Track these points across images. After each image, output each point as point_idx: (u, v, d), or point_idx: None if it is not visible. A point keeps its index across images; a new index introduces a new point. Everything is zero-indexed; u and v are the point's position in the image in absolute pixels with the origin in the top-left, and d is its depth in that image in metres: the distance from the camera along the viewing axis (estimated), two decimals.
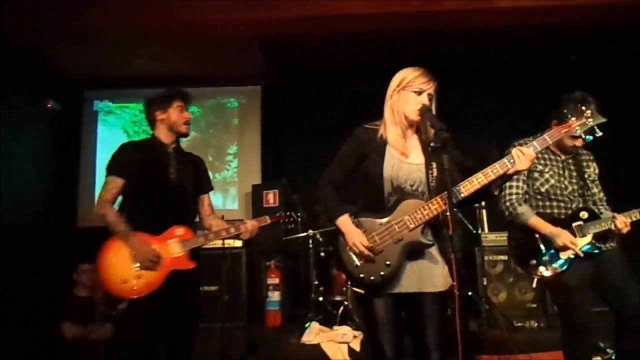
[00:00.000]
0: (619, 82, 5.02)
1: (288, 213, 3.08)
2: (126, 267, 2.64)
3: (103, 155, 5.71)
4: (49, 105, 5.52)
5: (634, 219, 2.76)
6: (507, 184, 2.84)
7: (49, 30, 4.57)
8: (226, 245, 4.57)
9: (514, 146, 2.37)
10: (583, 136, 2.33)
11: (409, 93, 2.23)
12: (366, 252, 2.17)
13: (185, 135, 2.92)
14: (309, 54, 5.32)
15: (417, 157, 2.24)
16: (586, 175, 2.88)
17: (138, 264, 2.63)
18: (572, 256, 2.68)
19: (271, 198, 5.03)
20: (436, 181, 2.14)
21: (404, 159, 2.25)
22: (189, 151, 3.04)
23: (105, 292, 2.80)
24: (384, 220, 2.20)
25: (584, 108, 2.32)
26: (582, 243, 2.70)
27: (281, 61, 5.42)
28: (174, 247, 2.72)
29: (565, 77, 2.87)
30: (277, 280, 4.63)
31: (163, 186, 2.78)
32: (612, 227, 2.72)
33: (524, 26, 4.74)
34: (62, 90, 5.70)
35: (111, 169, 2.79)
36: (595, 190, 2.90)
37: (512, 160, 2.12)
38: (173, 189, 2.80)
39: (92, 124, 5.86)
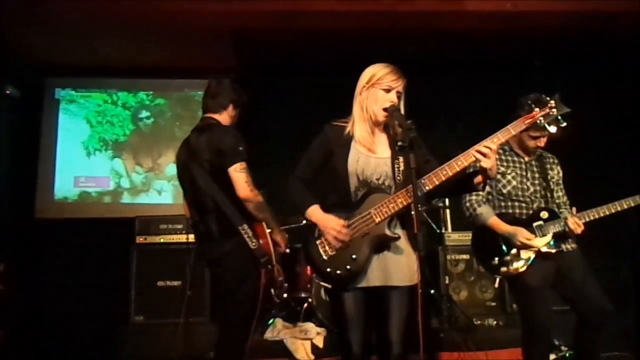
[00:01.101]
0: (583, 87, 5.17)
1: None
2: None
3: (64, 145, 5.55)
4: (8, 92, 5.32)
5: (587, 219, 2.83)
6: None
7: (9, 14, 4.40)
8: (190, 240, 4.52)
9: None
10: (547, 126, 2.28)
11: (377, 90, 2.24)
12: (343, 231, 2.16)
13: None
14: (278, 50, 5.28)
15: (384, 151, 2.26)
16: (549, 177, 2.94)
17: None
18: (532, 256, 2.74)
19: None
20: (403, 175, 2.15)
21: (370, 153, 2.26)
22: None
23: None
24: (351, 214, 2.21)
25: (547, 98, 2.30)
26: (542, 242, 2.77)
27: (251, 55, 5.37)
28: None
29: (531, 81, 2.93)
30: None
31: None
32: (564, 228, 2.79)
33: (491, 30, 4.83)
34: (22, 77, 5.50)
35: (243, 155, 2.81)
36: (560, 193, 2.97)
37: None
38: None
39: (53, 113, 5.66)
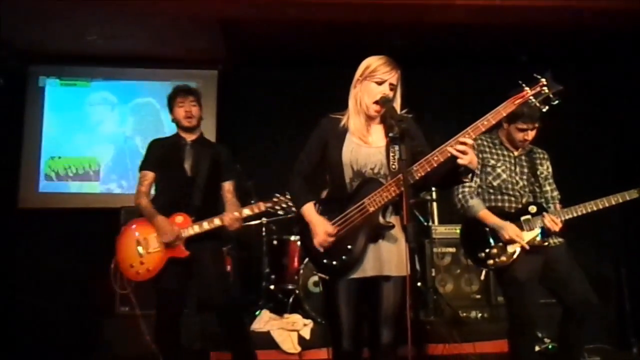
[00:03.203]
0: (570, 83, 5.21)
1: (280, 197, 3.14)
2: (133, 253, 3.11)
3: (49, 134, 5.47)
4: None
5: (574, 215, 2.85)
6: None
7: None
8: None
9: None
10: (538, 105, 2.21)
11: (370, 83, 2.26)
12: (328, 239, 2.18)
13: (188, 128, 3.25)
14: (268, 40, 5.24)
15: (378, 140, 2.27)
16: (538, 172, 2.97)
17: (157, 244, 3.05)
18: (518, 249, 2.77)
19: None
20: (398, 163, 2.15)
21: (363, 143, 2.27)
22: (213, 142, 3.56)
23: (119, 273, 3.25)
24: (346, 205, 2.22)
25: (539, 76, 2.25)
26: (529, 237, 2.79)
27: (240, 46, 5.32)
28: (181, 233, 3.07)
29: (518, 76, 2.94)
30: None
31: (177, 179, 3.17)
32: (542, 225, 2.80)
33: (479, 24, 4.84)
34: (5, 64, 5.38)
35: (142, 165, 3.25)
36: (548, 188, 3.00)
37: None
38: (187, 181, 3.16)
39: (37, 101, 5.57)
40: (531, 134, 2.88)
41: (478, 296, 4.62)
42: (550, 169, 3.05)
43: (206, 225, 3.08)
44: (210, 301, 3.19)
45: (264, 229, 4.61)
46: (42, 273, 5.05)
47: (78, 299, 4.89)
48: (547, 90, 2.20)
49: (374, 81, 2.24)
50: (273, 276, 4.51)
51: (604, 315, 4.28)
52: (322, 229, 2.21)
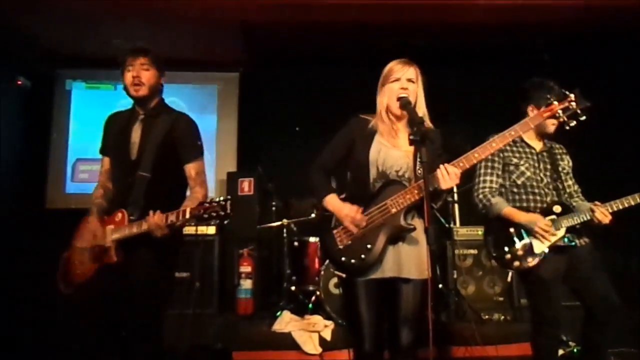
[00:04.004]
0: (592, 81, 5.13)
1: (216, 202, 2.29)
2: (80, 252, 2.55)
3: (76, 136, 5.59)
4: (20, 82, 5.35)
5: (615, 209, 2.77)
6: (481, 177, 2.90)
7: (20, 4, 4.42)
8: (199, 232, 4.56)
9: (489, 139, 2.42)
10: (566, 120, 2.27)
11: (390, 84, 2.29)
12: (358, 217, 2.19)
13: (137, 98, 2.55)
14: (288, 42, 5.28)
15: (406, 144, 2.26)
16: (560, 168, 2.92)
17: (91, 256, 2.46)
18: (546, 250, 2.73)
19: (246, 186, 4.99)
20: (422, 170, 2.16)
21: (392, 146, 2.29)
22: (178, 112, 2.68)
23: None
24: (369, 204, 2.24)
25: (567, 92, 2.29)
26: (556, 237, 2.74)
27: (261, 48, 5.36)
28: (107, 235, 2.44)
29: (540, 74, 2.92)
30: (249, 269, 4.61)
31: (123, 163, 2.52)
32: (591, 218, 2.73)
33: (501, 23, 4.81)
34: (34, 68, 5.52)
35: (100, 147, 2.69)
36: (570, 182, 2.95)
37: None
38: (130, 166, 2.48)
39: (65, 104, 5.71)
40: (556, 123, 2.82)
41: (501, 298, 4.56)
42: (570, 163, 3.00)
43: (135, 229, 2.38)
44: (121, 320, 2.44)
45: (284, 230, 4.63)
46: None
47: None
48: (575, 106, 2.26)
49: (392, 81, 2.28)
50: (294, 277, 4.53)
51: (629, 318, 4.19)
52: (348, 210, 2.21)
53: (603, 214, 2.72)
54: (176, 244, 2.58)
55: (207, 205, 2.26)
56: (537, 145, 2.95)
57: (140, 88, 2.52)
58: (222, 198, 2.27)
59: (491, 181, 2.89)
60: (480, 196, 2.88)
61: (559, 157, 2.96)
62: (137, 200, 2.44)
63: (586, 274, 2.77)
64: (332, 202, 2.29)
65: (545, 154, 2.94)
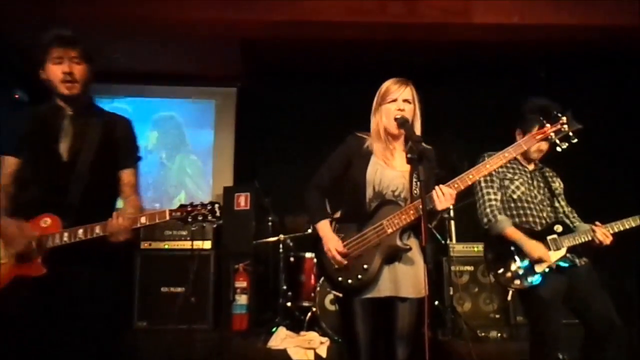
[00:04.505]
0: (587, 98, 5.19)
1: (203, 204, 2.19)
2: None
3: None
4: (17, 96, 5.35)
5: (615, 230, 2.79)
6: (484, 191, 2.90)
7: (18, 18, 4.44)
8: (194, 247, 4.54)
9: (484, 157, 2.44)
10: (558, 142, 2.33)
11: (387, 105, 2.31)
12: (338, 258, 2.20)
13: (68, 97, 2.24)
14: (286, 58, 5.32)
15: (402, 165, 2.28)
16: (553, 188, 2.95)
17: (3, 254, 2.10)
18: (547, 270, 2.73)
19: (242, 201, 4.98)
20: (419, 189, 2.18)
21: (388, 166, 2.30)
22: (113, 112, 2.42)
23: None
24: (364, 224, 2.24)
25: (559, 115, 2.34)
26: (556, 257, 2.75)
27: (259, 64, 5.40)
28: (38, 242, 2.13)
29: (536, 92, 2.97)
30: (245, 284, 4.59)
31: (49, 165, 2.21)
32: (592, 238, 2.75)
33: (498, 42, 4.86)
34: (31, 82, 5.52)
35: (1, 146, 2.26)
36: (563, 203, 2.98)
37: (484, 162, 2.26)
38: (62, 168, 2.20)
39: None
40: (545, 146, 2.85)
41: (497, 316, 4.54)
42: (562, 186, 3.04)
43: (81, 234, 2.13)
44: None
45: (281, 245, 4.62)
46: None
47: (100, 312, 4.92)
48: (567, 128, 2.32)
49: (388, 102, 2.29)
50: (290, 293, 4.51)
51: (628, 338, 4.18)
52: (333, 245, 2.23)
53: (604, 234, 2.75)
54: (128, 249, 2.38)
55: (191, 208, 2.16)
56: (529, 165, 2.99)
57: (74, 86, 2.23)
58: (210, 201, 2.18)
59: (495, 197, 2.90)
60: (487, 211, 2.88)
61: (550, 179, 3.00)
62: (71, 205, 2.17)
63: (586, 293, 2.77)
64: (323, 229, 2.30)
65: (537, 173, 2.98)
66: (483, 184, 2.93)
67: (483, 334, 4.33)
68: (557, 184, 3.03)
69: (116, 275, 2.36)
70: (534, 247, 2.74)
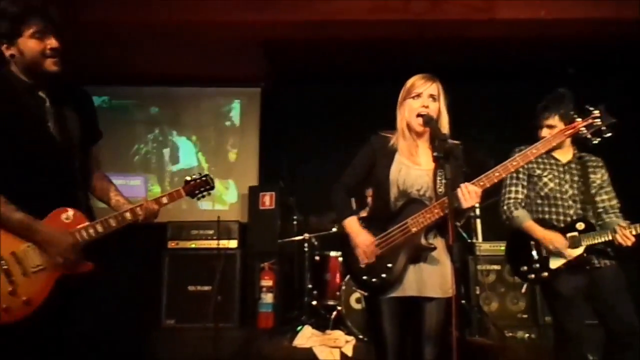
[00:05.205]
0: (616, 95, 5.06)
1: (199, 178, 2.23)
2: None
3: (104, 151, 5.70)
4: None
5: (639, 231, 2.63)
6: (507, 188, 2.87)
7: None
8: (220, 246, 4.60)
9: (515, 152, 2.40)
10: (590, 137, 2.22)
11: (411, 100, 2.28)
12: (368, 251, 2.19)
13: (52, 74, 1.98)
14: (310, 58, 5.33)
15: (427, 163, 2.26)
16: (590, 181, 2.83)
17: (38, 260, 1.88)
18: (562, 267, 2.69)
19: (267, 200, 5.02)
20: (444, 187, 2.15)
21: (413, 165, 2.28)
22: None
23: None
24: (389, 224, 2.23)
25: (591, 108, 2.23)
26: (573, 254, 2.69)
27: (282, 64, 5.43)
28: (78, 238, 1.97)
29: (564, 88, 2.90)
30: (270, 283, 4.62)
31: (43, 151, 1.95)
32: (611, 238, 2.64)
33: (523, 38, 4.79)
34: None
35: None
36: (604, 197, 2.82)
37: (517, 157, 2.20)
38: (61, 153, 1.97)
39: None
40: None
41: (524, 315, 4.48)
42: (605, 177, 2.86)
43: (113, 223, 2.01)
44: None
45: (306, 244, 4.64)
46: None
47: (124, 311, 5.02)
48: (599, 123, 2.21)
49: (413, 96, 2.27)
50: (315, 292, 4.53)
51: None
52: (362, 239, 2.23)
53: (624, 236, 2.60)
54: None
55: (197, 182, 2.23)
56: (564, 157, 2.88)
57: (59, 62, 1.99)
58: (200, 174, 2.26)
59: (516, 192, 2.85)
60: (504, 207, 2.86)
61: (591, 170, 2.85)
62: (77, 192, 2.02)
63: (608, 297, 2.70)
64: (352, 225, 2.29)
65: (573, 165, 2.86)
66: (508, 181, 2.89)
67: (510, 334, 4.27)
68: (599, 175, 2.85)
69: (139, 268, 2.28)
70: (552, 238, 2.68)
